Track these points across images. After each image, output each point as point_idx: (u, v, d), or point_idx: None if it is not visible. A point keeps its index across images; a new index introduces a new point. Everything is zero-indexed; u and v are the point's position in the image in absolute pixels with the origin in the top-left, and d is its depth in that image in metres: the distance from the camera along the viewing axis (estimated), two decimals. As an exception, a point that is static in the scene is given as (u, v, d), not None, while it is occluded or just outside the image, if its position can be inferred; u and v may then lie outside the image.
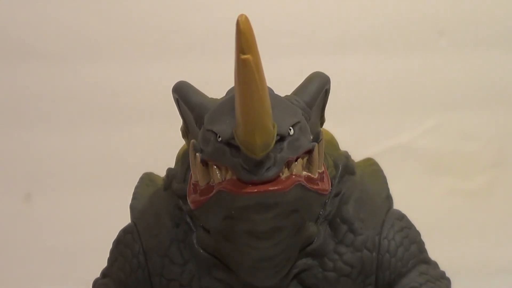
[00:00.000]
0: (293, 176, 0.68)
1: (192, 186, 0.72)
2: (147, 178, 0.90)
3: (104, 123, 1.67)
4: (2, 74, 1.69)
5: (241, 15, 0.64)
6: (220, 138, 0.68)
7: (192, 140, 0.71)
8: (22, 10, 1.69)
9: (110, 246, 1.02)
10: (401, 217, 0.88)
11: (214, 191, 0.68)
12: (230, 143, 0.67)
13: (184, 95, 0.77)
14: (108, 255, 0.89)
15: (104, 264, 0.92)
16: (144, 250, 0.79)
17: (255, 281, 0.77)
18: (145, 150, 1.62)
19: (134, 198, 0.87)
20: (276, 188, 0.66)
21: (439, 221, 1.70)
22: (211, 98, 0.77)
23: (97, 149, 1.67)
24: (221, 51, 1.73)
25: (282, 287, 0.79)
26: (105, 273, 0.84)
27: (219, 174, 0.68)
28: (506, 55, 1.78)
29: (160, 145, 1.49)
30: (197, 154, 0.70)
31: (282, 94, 0.83)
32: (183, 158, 0.83)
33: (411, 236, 0.87)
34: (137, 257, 0.80)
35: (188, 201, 0.73)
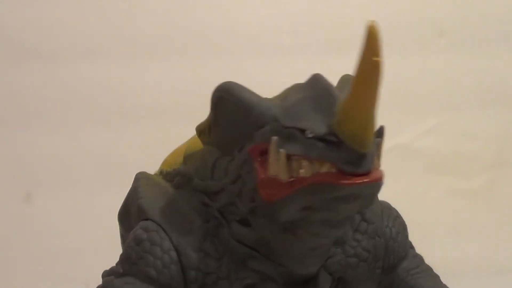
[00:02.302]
0: (378, 169, 0.74)
1: (266, 180, 0.75)
2: (145, 177, 0.91)
3: (104, 123, 1.68)
4: (2, 74, 1.69)
5: (371, 21, 0.67)
6: (311, 134, 0.71)
7: (275, 137, 0.74)
8: (22, 10, 1.69)
9: (110, 246, 1.02)
10: (390, 206, 0.94)
11: (308, 182, 0.72)
12: (324, 139, 0.71)
13: (237, 95, 0.79)
14: (107, 255, 0.89)
15: (104, 263, 0.92)
16: (175, 247, 0.81)
17: (300, 269, 0.81)
18: (145, 150, 1.62)
19: (140, 198, 0.87)
20: (378, 178, 0.72)
21: (439, 221, 1.70)
22: (265, 98, 0.80)
23: (97, 149, 1.67)
24: (221, 51, 1.73)
25: (313, 275, 0.83)
26: (122, 272, 0.83)
27: (307, 168, 0.72)
28: (506, 55, 1.78)
29: (161, 145, 1.49)
30: (281, 150, 0.73)
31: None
32: (202, 156, 0.85)
33: (403, 224, 0.93)
34: (168, 253, 0.81)
35: (262, 194, 0.75)
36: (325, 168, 0.71)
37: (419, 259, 0.95)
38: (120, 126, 1.67)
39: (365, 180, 0.71)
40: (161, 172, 0.93)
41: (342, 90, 0.77)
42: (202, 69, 1.70)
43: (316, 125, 0.72)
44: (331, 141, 0.71)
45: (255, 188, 0.77)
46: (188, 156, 0.88)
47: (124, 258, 0.83)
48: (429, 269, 0.94)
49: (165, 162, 0.95)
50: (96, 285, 0.87)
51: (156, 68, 1.71)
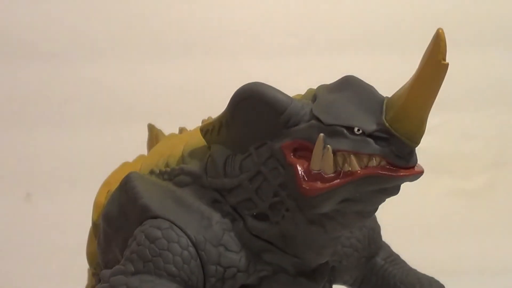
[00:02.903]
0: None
1: (309, 175, 0.79)
2: (139, 177, 0.91)
3: (104, 123, 1.68)
4: (2, 74, 1.69)
5: (440, 29, 0.77)
6: (360, 131, 0.77)
7: (322, 134, 0.78)
8: (22, 10, 1.69)
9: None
10: None
11: (360, 175, 0.77)
12: (373, 135, 0.76)
13: (270, 95, 0.82)
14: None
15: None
16: (194, 243, 0.83)
17: (317, 260, 0.86)
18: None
19: (142, 197, 0.87)
20: (423, 170, 0.78)
21: (439, 221, 1.70)
22: (292, 97, 0.83)
23: (97, 149, 1.67)
24: (221, 51, 1.73)
25: (317, 265, 0.87)
26: (134, 271, 0.83)
27: (355, 163, 0.77)
28: (506, 55, 1.78)
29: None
30: (328, 146, 0.77)
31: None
32: (210, 155, 0.87)
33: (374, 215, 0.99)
34: (187, 249, 0.83)
35: (303, 188, 0.79)
36: (374, 162, 0.77)
37: (389, 246, 1.02)
38: (120, 126, 1.67)
39: (416, 171, 0.77)
40: (151, 172, 0.93)
41: (343, 90, 0.80)
42: (202, 70, 1.70)
43: (364, 123, 0.77)
44: (380, 137, 0.76)
45: (282, 183, 0.81)
46: (188, 155, 0.89)
47: (136, 257, 0.83)
48: (398, 256, 1.01)
49: (148, 163, 0.95)
50: (97, 285, 0.87)
51: (157, 69, 1.71)
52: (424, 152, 1.68)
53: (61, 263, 1.59)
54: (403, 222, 1.62)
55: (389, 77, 1.72)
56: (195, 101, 1.66)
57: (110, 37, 1.70)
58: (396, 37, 1.73)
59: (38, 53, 1.69)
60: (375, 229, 0.98)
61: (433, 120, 1.74)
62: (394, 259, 1.00)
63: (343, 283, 0.98)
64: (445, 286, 0.96)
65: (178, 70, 1.71)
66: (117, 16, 1.71)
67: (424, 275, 0.98)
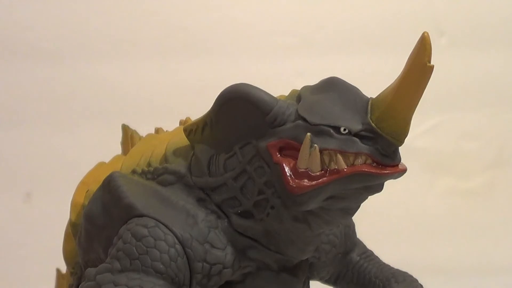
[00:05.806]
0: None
1: (296, 174, 0.80)
2: (122, 176, 0.92)
3: (104, 122, 1.68)
4: (2, 74, 1.69)
5: (426, 32, 0.75)
6: (346, 131, 0.79)
7: (308, 134, 0.79)
8: (22, 9, 1.69)
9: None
10: None
11: (347, 173, 0.78)
12: (359, 134, 0.78)
13: (256, 96, 0.83)
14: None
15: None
16: (180, 240, 0.84)
17: (300, 256, 0.87)
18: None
19: (127, 197, 0.88)
20: (406, 168, 0.80)
21: (439, 221, 1.70)
22: (277, 97, 0.84)
23: (98, 149, 1.67)
24: (220, 51, 1.73)
25: (298, 261, 0.89)
26: (121, 269, 0.83)
27: (341, 161, 0.79)
28: (506, 55, 1.78)
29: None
30: (315, 145, 0.79)
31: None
32: (194, 154, 0.88)
33: None
34: (174, 247, 0.83)
35: (290, 186, 0.80)
36: (360, 161, 0.78)
37: (363, 243, 1.04)
38: (120, 126, 1.67)
39: (400, 169, 0.79)
40: (133, 171, 0.93)
41: (328, 90, 0.82)
42: (202, 70, 1.71)
43: (350, 122, 0.79)
44: (366, 136, 0.78)
45: (267, 182, 0.82)
46: (171, 154, 0.90)
47: (122, 255, 0.84)
48: (372, 252, 1.04)
49: (129, 163, 0.95)
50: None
51: (157, 68, 1.71)
52: (424, 152, 1.69)
53: (61, 263, 1.59)
54: (403, 222, 1.62)
55: (389, 78, 1.73)
56: (195, 101, 1.66)
57: (110, 37, 1.70)
58: (396, 38, 1.73)
59: (38, 53, 1.69)
60: (350, 226, 1.00)
61: (433, 120, 1.76)
62: (369, 255, 1.02)
63: (320, 279, 0.99)
64: (418, 280, 0.97)
65: (179, 70, 1.71)
66: (117, 16, 1.72)
67: (398, 270, 1.00)
